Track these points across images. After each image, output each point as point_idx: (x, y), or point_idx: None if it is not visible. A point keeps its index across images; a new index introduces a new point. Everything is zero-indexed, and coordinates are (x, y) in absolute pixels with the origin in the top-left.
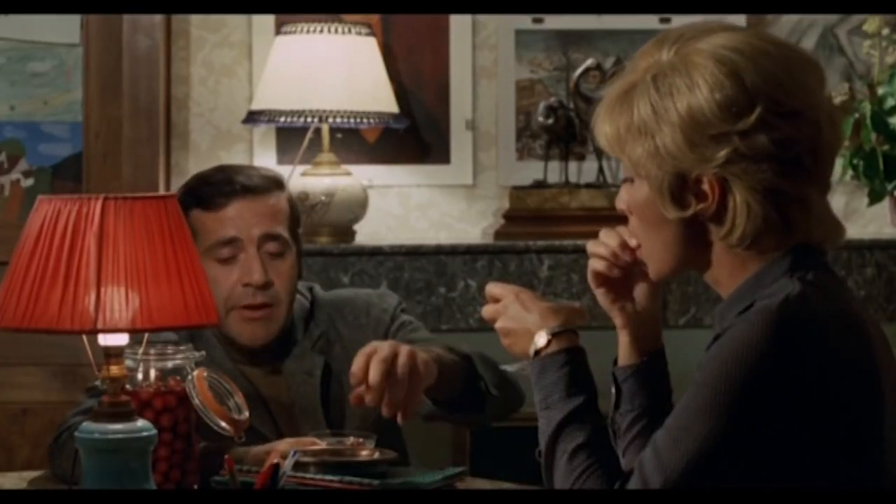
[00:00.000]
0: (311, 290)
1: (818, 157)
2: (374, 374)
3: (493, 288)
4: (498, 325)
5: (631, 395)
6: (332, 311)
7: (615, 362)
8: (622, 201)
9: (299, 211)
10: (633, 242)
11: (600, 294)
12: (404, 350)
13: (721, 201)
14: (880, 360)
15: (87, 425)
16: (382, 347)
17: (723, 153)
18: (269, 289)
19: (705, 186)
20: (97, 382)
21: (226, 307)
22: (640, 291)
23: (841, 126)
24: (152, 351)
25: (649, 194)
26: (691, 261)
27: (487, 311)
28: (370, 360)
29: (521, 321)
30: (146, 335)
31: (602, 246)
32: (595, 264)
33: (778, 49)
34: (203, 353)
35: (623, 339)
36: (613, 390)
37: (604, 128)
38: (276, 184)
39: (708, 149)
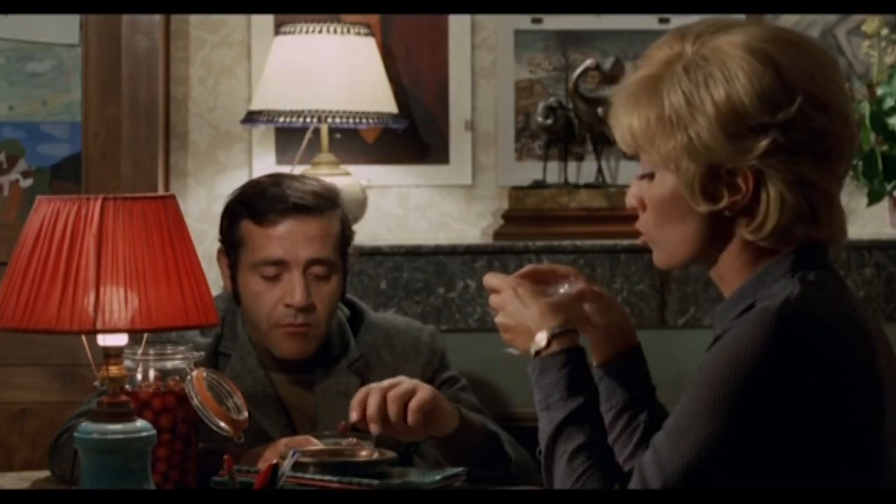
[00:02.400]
0: (351, 305)
1: (843, 151)
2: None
3: (490, 279)
4: (497, 319)
5: (608, 394)
6: (380, 337)
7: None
8: (634, 197)
9: (351, 229)
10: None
11: None
12: (424, 388)
13: (754, 194)
14: (881, 360)
15: (87, 426)
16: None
17: (762, 145)
18: (311, 311)
19: (739, 179)
20: (96, 383)
21: (268, 324)
22: (592, 310)
23: (856, 124)
24: (151, 351)
25: (675, 188)
26: (706, 255)
27: (491, 302)
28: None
29: (519, 318)
30: (145, 335)
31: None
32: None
33: (805, 42)
34: (202, 353)
35: (590, 342)
36: None
37: (628, 121)
38: (331, 202)
39: (747, 140)
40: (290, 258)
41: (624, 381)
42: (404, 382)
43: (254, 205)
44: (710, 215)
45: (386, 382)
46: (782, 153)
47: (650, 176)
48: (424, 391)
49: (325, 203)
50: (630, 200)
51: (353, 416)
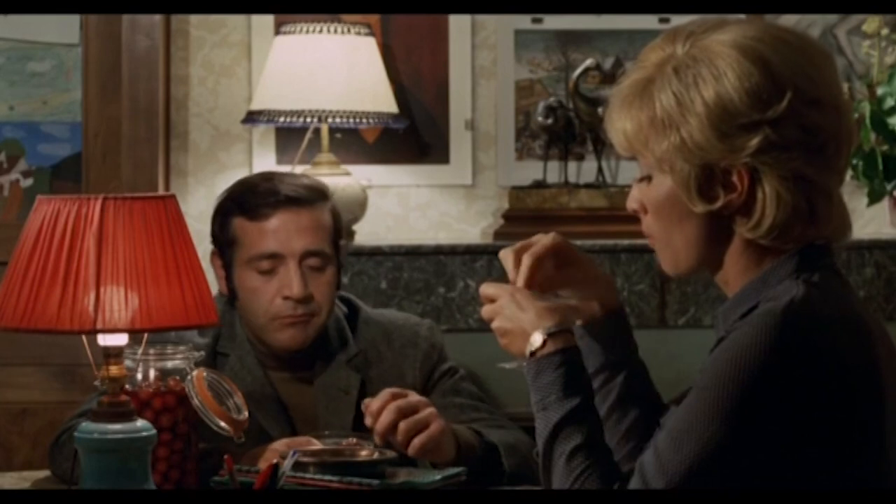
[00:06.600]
0: (348, 302)
1: (839, 146)
2: (385, 418)
3: (487, 288)
4: (494, 325)
5: (585, 354)
6: (378, 333)
7: None
8: (634, 200)
9: (342, 221)
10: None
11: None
12: (436, 423)
13: (750, 192)
14: (883, 362)
15: (87, 425)
16: (414, 401)
17: (754, 142)
18: (310, 302)
19: (734, 177)
20: (96, 382)
21: (266, 317)
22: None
23: (853, 118)
24: (152, 351)
25: (672, 190)
26: (710, 258)
27: (485, 311)
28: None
29: (516, 321)
30: (146, 335)
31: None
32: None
33: (795, 38)
34: (202, 353)
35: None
36: None
37: (622, 125)
38: (321, 195)
39: (738, 138)
40: (286, 250)
41: (602, 343)
42: (422, 411)
43: (245, 201)
44: (709, 216)
45: (404, 402)
46: (774, 150)
47: (648, 179)
48: (435, 428)
49: (316, 195)
50: (630, 203)
51: (369, 420)
